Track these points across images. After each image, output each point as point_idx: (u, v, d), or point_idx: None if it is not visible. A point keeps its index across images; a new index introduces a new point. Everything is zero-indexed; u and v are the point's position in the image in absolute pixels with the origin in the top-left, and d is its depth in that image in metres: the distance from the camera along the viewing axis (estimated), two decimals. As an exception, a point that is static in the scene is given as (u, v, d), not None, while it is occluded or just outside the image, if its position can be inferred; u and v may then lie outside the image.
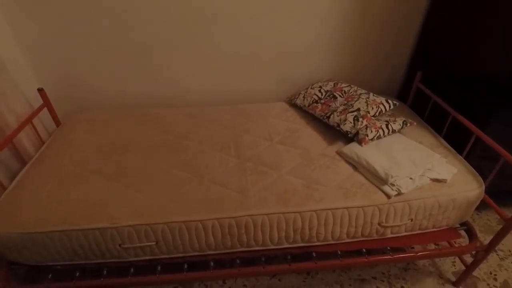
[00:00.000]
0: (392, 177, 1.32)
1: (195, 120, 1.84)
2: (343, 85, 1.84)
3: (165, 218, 1.24)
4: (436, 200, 1.33)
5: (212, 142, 1.65)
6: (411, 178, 1.36)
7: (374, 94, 1.69)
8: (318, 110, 1.74)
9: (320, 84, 1.91)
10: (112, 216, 1.23)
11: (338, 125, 1.60)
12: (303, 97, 1.89)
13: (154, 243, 1.26)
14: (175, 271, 1.32)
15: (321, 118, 1.72)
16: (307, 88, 1.94)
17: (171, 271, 1.32)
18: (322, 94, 1.83)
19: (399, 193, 1.31)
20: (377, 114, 1.59)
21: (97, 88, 1.95)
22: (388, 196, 1.31)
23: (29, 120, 1.60)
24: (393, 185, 1.33)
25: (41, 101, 1.72)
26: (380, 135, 1.54)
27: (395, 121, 1.60)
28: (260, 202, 1.30)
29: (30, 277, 1.37)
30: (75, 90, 1.94)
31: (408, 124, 1.61)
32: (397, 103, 1.70)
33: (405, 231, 1.40)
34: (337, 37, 1.92)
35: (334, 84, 1.87)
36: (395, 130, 1.58)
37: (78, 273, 1.31)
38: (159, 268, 1.33)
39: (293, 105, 1.97)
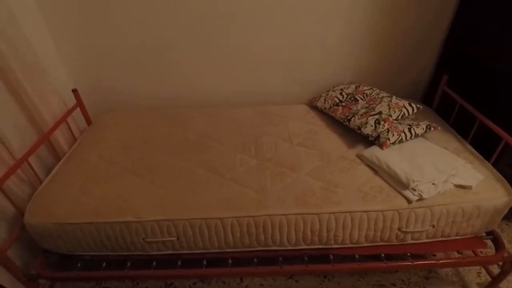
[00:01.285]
0: (413, 181, 1.30)
1: (217, 120, 1.89)
2: (365, 87, 1.82)
3: (187, 215, 1.29)
4: (460, 207, 1.29)
5: (233, 142, 1.69)
6: (433, 184, 1.33)
7: (397, 97, 1.67)
8: (339, 113, 1.74)
9: (341, 86, 1.91)
10: (137, 211, 1.30)
11: (359, 128, 1.59)
12: (324, 99, 1.89)
13: (175, 238, 1.32)
14: (195, 266, 1.37)
15: (342, 121, 1.71)
16: (328, 91, 1.94)
17: (191, 266, 1.37)
18: (343, 97, 1.82)
19: (421, 198, 1.29)
20: (399, 117, 1.57)
21: (124, 90, 2.06)
22: (409, 201, 1.29)
23: (64, 119, 1.71)
24: (415, 190, 1.30)
25: (74, 101, 1.84)
26: (402, 139, 1.52)
27: (418, 125, 1.57)
28: (279, 202, 1.32)
29: (61, 265, 1.47)
30: (105, 92, 2.06)
31: (432, 129, 1.58)
32: (421, 107, 1.67)
33: (426, 237, 1.37)
34: (360, 38, 1.90)
35: (356, 86, 1.86)
36: (418, 134, 1.55)
37: (104, 264, 1.39)
38: (179, 262, 1.38)
39: (314, 107, 1.97)
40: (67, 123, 1.75)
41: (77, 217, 1.29)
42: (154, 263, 1.39)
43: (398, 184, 1.35)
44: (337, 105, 1.80)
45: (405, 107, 1.59)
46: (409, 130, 1.53)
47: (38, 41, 1.64)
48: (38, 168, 1.58)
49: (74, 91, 1.82)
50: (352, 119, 1.64)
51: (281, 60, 1.98)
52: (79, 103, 1.86)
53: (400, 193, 1.32)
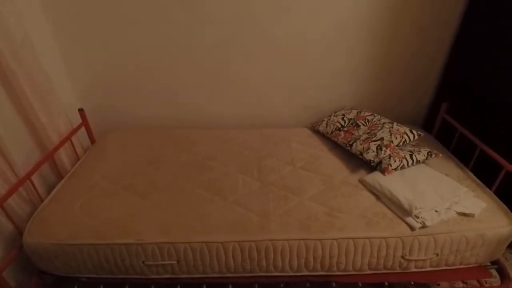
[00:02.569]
0: (416, 208, 1.30)
1: (221, 142, 1.91)
2: (367, 113, 1.86)
3: (188, 238, 1.27)
4: (463, 235, 1.29)
5: (236, 165, 1.70)
6: (436, 211, 1.33)
7: (398, 124, 1.70)
8: (341, 137, 1.76)
9: (343, 112, 1.94)
10: (138, 233, 1.28)
11: (361, 154, 1.60)
12: (326, 124, 1.92)
13: (175, 262, 1.29)
14: (194, 291, 1.34)
15: (344, 146, 1.73)
16: (330, 116, 1.97)
17: (190, 291, 1.34)
18: (345, 122, 1.85)
19: (424, 226, 1.28)
20: (400, 144, 1.59)
21: (129, 110, 2.10)
22: (412, 228, 1.29)
23: (69, 137, 1.73)
24: (418, 217, 1.30)
25: (80, 120, 1.86)
26: (404, 165, 1.53)
27: (419, 151, 1.59)
28: (282, 227, 1.31)
29: (57, 287, 1.43)
30: (109, 111, 2.09)
31: (433, 155, 1.59)
32: (422, 134, 1.69)
33: (430, 266, 1.35)
34: (362, 65, 1.96)
35: (358, 112, 1.90)
36: (419, 161, 1.57)
37: (101, 287, 1.36)
38: (178, 287, 1.35)
39: (316, 131, 2.00)
40: (71, 141, 1.76)
41: (76, 238, 1.27)
42: (152, 287, 1.35)
43: (401, 210, 1.35)
44: (339, 130, 1.82)
45: (406, 134, 1.62)
46: (411, 156, 1.55)
47: (48, 62, 1.68)
48: (40, 186, 1.57)
49: (80, 110, 1.85)
50: (354, 144, 1.66)
51: (284, 85, 2.03)
52: (85, 122, 1.89)
53: (403, 220, 1.32)
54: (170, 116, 2.13)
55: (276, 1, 1.75)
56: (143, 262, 1.30)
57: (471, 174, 1.58)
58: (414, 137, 1.63)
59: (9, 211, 1.34)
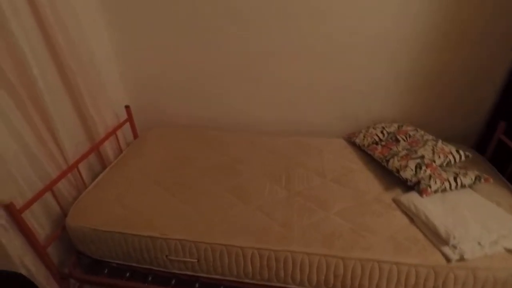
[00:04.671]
0: (454, 238, 1.18)
1: (253, 146, 1.92)
2: (409, 128, 1.73)
3: (209, 239, 1.30)
4: (511, 275, 1.13)
5: (265, 171, 1.70)
6: (479, 244, 1.19)
7: (443, 142, 1.56)
8: (378, 152, 1.67)
9: (383, 124, 1.84)
10: (163, 227, 1.35)
11: (398, 171, 1.50)
12: (363, 136, 1.83)
13: (196, 260, 1.33)
14: (211, 291, 1.37)
15: (380, 161, 1.64)
16: (368, 127, 1.88)
17: (208, 291, 1.37)
18: (383, 136, 1.75)
19: (462, 259, 1.15)
20: (444, 164, 1.46)
21: (172, 110, 2.23)
22: (448, 259, 1.17)
23: (114, 131, 1.88)
24: (455, 247, 1.18)
25: (125, 116, 2.01)
26: (445, 188, 1.40)
27: (466, 174, 1.44)
28: (304, 239, 1.28)
29: (91, 269, 1.55)
30: (153, 110, 2.23)
31: (483, 180, 1.43)
32: (470, 155, 1.53)
33: (467, 304, 1.21)
34: (406, 74, 1.83)
35: (399, 126, 1.78)
36: (465, 185, 1.42)
37: (128, 274, 1.45)
38: (197, 285, 1.39)
39: (352, 143, 1.92)
40: (116, 135, 1.91)
41: (109, 226, 1.37)
42: (173, 281, 1.41)
43: (437, 238, 1.23)
44: (377, 143, 1.73)
45: (452, 154, 1.48)
46: (455, 179, 1.41)
47: (103, 61, 1.85)
48: (86, 174, 1.73)
49: (127, 107, 2.00)
50: (391, 160, 1.56)
51: (322, 92, 1.99)
52: (130, 119, 2.03)
53: (438, 249, 1.21)
54: (208, 118, 2.21)
55: (317, 8, 1.72)
56: (166, 256, 1.35)
57: (528, 205, 1.39)
58: (460, 158, 1.48)
59: (58, 194, 1.50)
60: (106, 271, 1.47)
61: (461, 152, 1.49)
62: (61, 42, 1.49)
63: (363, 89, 1.93)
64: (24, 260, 1.31)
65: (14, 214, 1.24)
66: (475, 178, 1.42)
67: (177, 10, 1.83)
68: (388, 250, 1.22)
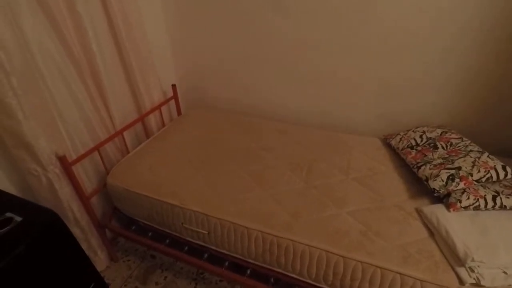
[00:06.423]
0: (473, 260, 1.06)
1: (283, 136, 1.94)
2: (453, 135, 1.56)
3: (220, 214, 1.39)
4: (536, 314, 0.99)
5: (288, 161, 1.71)
6: (505, 272, 1.05)
7: (490, 156, 1.37)
8: (411, 156, 1.55)
9: (424, 128, 1.68)
10: (183, 198, 1.47)
11: (427, 180, 1.38)
12: (400, 138, 1.71)
13: (206, 232, 1.43)
14: (218, 264, 1.46)
15: (411, 166, 1.52)
16: (408, 130, 1.74)
17: (214, 262, 1.47)
18: (421, 140, 1.61)
19: (478, 284, 1.04)
20: (483, 179, 1.29)
21: (215, 93, 2.37)
22: (462, 281, 1.06)
23: (159, 107, 2.07)
24: (473, 270, 1.06)
25: (171, 94, 2.19)
26: (479, 205, 1.24)
27: (510, 195, 1.26)
28: (309, 231, 1.28)
29: (123, 224, 1.78)
30: (199, 91, 2.39)
31: (531, 205, 1.24)
32: (521, 174, 1.32)
33: (479, 335, 1.09)
34: (458, 74, 1.64)
35: (442, 132, 1.61)
36: (505, 207, 1.24)
37: (150, 233, 1.63)
38: (206, 255, 1.49)
39: (387, 144, 1.80)
40: (160, 110, 2.10)
41: (139, 188, 1.55)
42: (186, 248, 1.54)
43: (454, 257, 1.12)
44: (412, 147, 1.60)
45: (496, 169, 1.29)
46: (494, 198, 1.24)
47: (157, 42, 2.04)
48: (130, 141, 1.95)
49: (173, 86, 2.17)
50: (423, 167, 1.44)
51: (362, 88, 1.89)
52: (175, 96, 2.21)
53: (453, 269, 1.10)
54: (246, 104, 2.29)
55: (365, 3, 1.63)
56: (182, 224, 1.48)
57: None
58: (506, 175, 1.29)
59: (104, 155, 1.73)
60: (133, 228, 1.67)
61: (508, 170, 1.30)
62: (120, 24, 1.69)
63: (411, 89, 1.78)
64: (71, 205, 1.56)
65: (66, 165, 1.48)
66: (520, 201, 1.24)
67: (226, 2, 1.92)
68: (395, 258, 1.15)
